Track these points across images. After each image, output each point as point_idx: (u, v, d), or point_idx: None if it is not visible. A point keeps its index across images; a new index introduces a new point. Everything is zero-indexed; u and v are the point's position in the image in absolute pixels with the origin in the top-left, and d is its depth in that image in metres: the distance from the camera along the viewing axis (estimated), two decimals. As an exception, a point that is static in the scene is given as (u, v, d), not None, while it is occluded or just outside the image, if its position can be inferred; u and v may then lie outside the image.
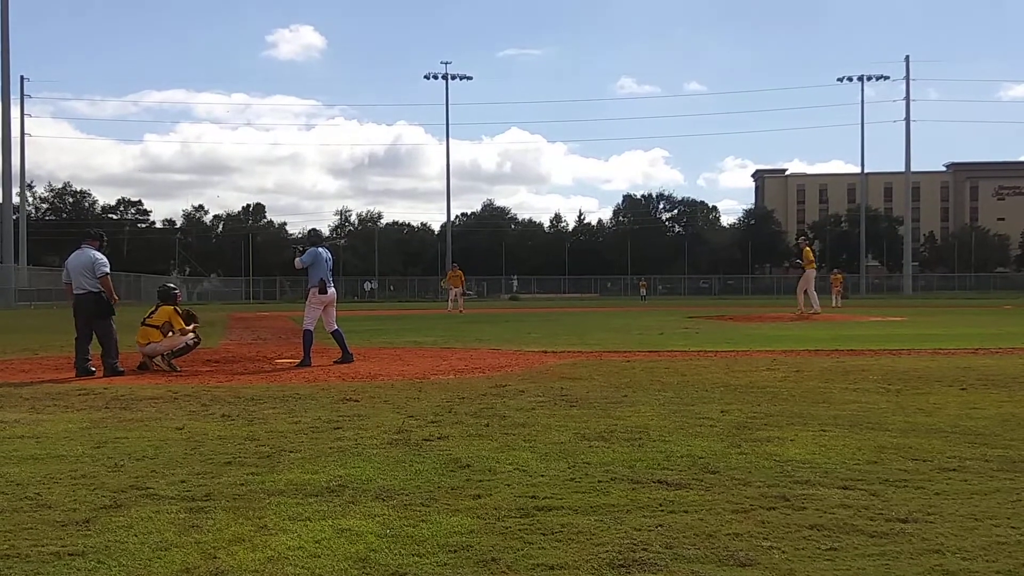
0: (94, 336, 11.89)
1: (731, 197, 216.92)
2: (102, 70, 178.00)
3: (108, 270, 12.02)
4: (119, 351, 11.88)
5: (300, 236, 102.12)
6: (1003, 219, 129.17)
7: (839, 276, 45.23)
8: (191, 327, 12.66)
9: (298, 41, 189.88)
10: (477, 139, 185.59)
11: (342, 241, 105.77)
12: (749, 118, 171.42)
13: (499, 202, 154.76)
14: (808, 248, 27.82)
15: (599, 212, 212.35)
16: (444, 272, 41.70)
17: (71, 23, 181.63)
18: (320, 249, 13.04)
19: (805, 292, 27.77)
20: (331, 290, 13.11)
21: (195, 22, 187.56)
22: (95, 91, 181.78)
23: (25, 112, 77.93)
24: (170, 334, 12.44)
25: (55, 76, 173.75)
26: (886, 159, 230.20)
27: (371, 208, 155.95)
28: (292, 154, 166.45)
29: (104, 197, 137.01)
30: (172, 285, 13.29)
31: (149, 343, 12.35)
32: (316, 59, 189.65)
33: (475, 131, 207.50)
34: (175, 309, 12.73)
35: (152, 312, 12.72)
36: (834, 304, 41.18)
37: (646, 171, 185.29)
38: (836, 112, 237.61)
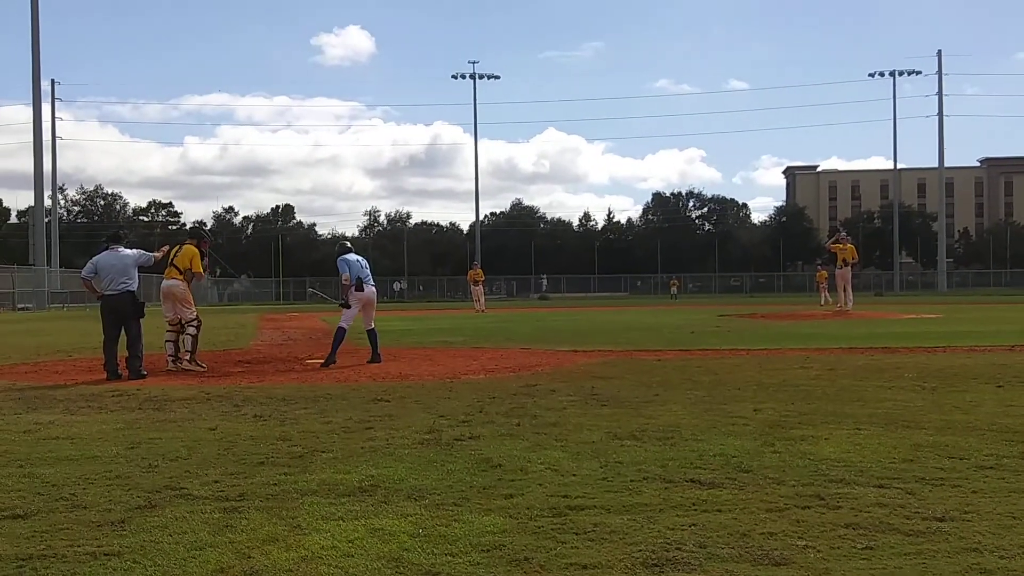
0: (119, 340, 11.88)
1: (767, 195, 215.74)
2: (149, 74, 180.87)
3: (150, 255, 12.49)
4: (144, 354, 11.94)
5: (330, 237, 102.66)
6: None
7: (823, 272, 42.21)
8: (193, 316, 12.66)
9: (342, 44, 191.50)
10: (515, 139, 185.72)
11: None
12: (785, 116, 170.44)
13: (535, 202, 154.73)
14: (838, 245, 27.48)
15: (633, 210, 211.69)
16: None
17: (121, 28, 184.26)
18: (348, 256, 13.17)
19: (844, 288, 27.67)
20: (369, 288, 13.18)
21: (240, 26, 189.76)
22: (142, 95, 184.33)
23: (59, 116, 79.22)
24: (199, 279, 12.84)
25: (103, 81, 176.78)
26: (922, 154, 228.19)
27: (400, 208, 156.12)
28: (331, 156, 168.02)
29: (142, 199, 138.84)
30: (204, 224, 13.52)
31: (173, 279, 12.67)
32: (359, 61, 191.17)
33: (513, 131, 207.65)
34: (200, 250, 12.95)
35: (177, 251, 12.88)
36: (821, 303, 39.48)
37: (683, 169, 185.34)
38: (874, 107, 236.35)
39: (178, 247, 12.99)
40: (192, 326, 12.56)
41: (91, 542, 4.06)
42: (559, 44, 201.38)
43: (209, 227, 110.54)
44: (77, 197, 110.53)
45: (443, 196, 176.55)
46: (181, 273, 12.65)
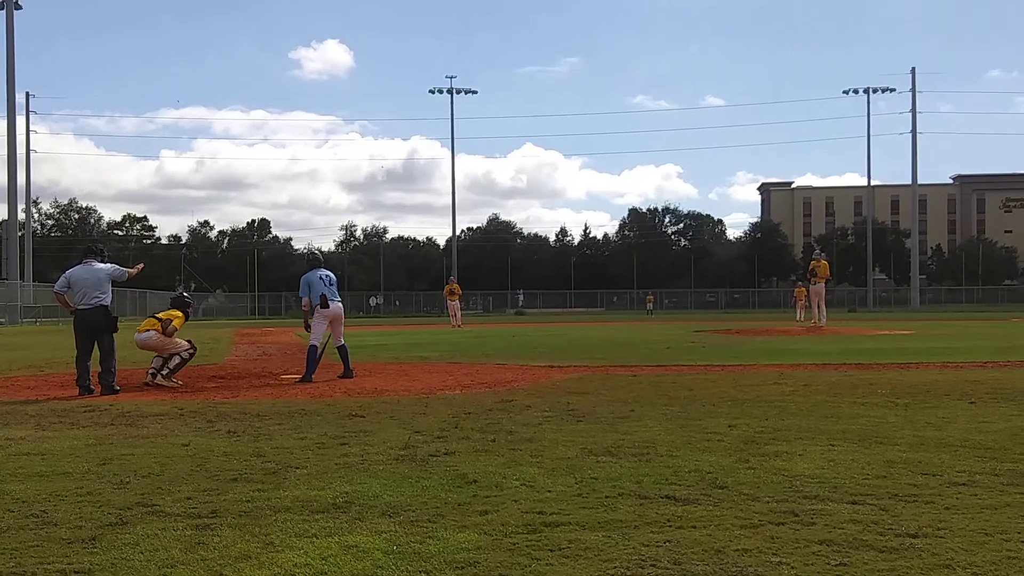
0: (92, 354, 11.71)
1: (742, 211, 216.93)
2: (126, 88, 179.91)
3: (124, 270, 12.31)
4: (117, 369, 11.78)
5: (306, 251, 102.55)
6: (1010, 231, 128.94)
7: (803, 289, 40.54)
8: (185, 346, 12.63)
9: (320, 58, 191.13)
10: (493, 155, 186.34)
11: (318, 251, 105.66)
12: (761, 132, 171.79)
13: (512, 217, 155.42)
14: (814, 262, 27.87)
15: (610, 226, 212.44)
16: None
17: (97, 41, 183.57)
18: (311, 276, 13.09)
19: (818, 304, 27.91)
20: (334, 304, 13.10)
21: (218, 39, 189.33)
22: (118, 108, 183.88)
23: (34, 129, 78.92)
24: (171, 333, 12.60)
25: (79, 94, 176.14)
26: (896, 171, 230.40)
27: (377, 223, 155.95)
28: (308, 170, 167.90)
29: (117, 213, 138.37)
30: (188, 297, 13.59)
31: (148, 331, 12.52)
32: (337, 76, 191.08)
33: (491, 146, 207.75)
34: (182, 314, 13.04)
35: (162, 311, 13.17)
36: (797, 319, 39.25)
37: (659, 185, 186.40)
38: (848, 124, 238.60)
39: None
40: (187, 352, 12.55)
41: (61, 559, 4.02)
42: (536, 60, 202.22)
43: (184, 240, 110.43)
44: (51, 211, 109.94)
45: (420, 211, 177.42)
46: (160, 322, 12.64)
